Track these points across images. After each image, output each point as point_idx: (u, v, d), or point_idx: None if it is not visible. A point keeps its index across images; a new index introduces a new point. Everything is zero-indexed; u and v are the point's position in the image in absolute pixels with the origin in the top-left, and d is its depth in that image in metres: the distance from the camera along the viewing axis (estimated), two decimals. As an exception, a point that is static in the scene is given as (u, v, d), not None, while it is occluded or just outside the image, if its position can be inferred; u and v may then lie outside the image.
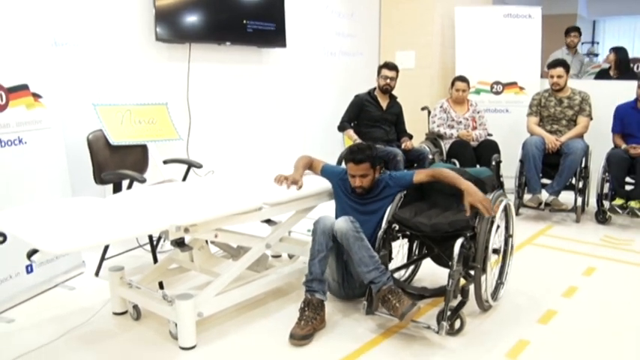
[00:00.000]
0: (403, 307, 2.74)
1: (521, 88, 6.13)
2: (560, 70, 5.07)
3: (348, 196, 3.32)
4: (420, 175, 3.20)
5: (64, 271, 3.64)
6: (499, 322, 3.08)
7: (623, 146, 4.85)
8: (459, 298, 2.94)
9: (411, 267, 3.52)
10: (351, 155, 3.17)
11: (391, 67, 5.26)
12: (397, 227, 3.13)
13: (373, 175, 3.21)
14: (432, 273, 3.58)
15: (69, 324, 3.05)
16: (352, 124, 5.29)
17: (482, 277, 2.99)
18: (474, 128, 5.48)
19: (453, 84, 5.54)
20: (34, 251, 2.39)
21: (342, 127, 5.29)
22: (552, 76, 5.11)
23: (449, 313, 2.81)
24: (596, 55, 8.81)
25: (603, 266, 3.92)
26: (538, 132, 5.12)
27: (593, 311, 3.22)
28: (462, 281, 2.97)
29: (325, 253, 2.95)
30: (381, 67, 5.31)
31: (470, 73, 5.75)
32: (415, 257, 3.45)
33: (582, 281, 3.66)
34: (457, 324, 2.90)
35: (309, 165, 3.52)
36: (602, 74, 6.49)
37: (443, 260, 3.20)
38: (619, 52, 6.44)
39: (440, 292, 2.97)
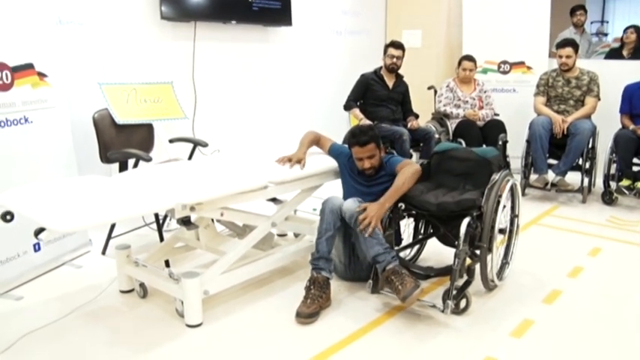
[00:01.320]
0: (405, 290, 2.74)
1: (529, 68, 6.07)
2: (569, 50, 5.02)
3: (354, 178, 3.31)
4: (399, 168, 3.17)
5: (71, 250, 3.67)
6: (504, 301, 3.09)
7: (631, 127, 4.81)
8: (465, 277, 2.94)
9: (417, 246, 3.53)
10: (354, 139, 3.16)
11: (397, 46, 5.22)
12: (403, 206, 3.13)
13: (379, 153, 3.21)
14: (437, 252, 3.59)
15: (76, 302, 3.08)
16: (358, 104, 5.26)
17: (488, 257, 2.99)
18: (481, 108, 5.44)
19: (459, 63, 5.49)
20: (42, 229, 2.41)
21: (347, 107, 5.27)
22: (561, 56, 5.06)
23: (454, 292, 2.82)
24: (606, 34, 8.67)
25: (609, 247, 3.92)
26: (545, 112, 5.09)
27: (598, 292, 3.22)
28: (468, 261, 2.97)
29: (333, 232, 2.96)
30: (387, 46, 5.27)
31: (477, 52, 5.69)
32: (421, 237, 3.46)
33: (588, 262, 3.66)
34: (462, 303, 2.91)
35: (316, 142, 3.51)
36: (613, 53, 6.37)
37: (449, 240, 3.20)
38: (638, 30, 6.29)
39: (446, 271, 2.98)
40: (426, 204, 2.99)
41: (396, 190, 3.03)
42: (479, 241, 2.94)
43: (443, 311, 2.80)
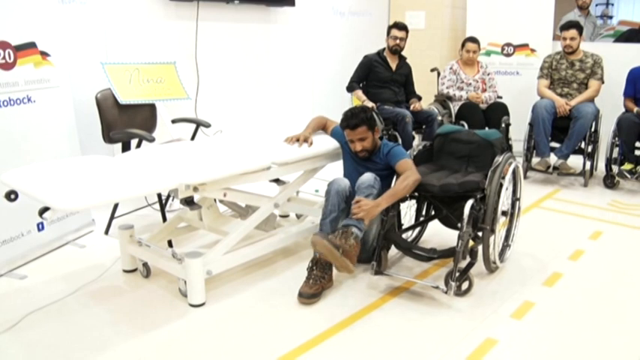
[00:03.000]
0: (334, 241, 2.77)
1: (533, 50, 6.03)
2: (573, 32, 4.99)
3: (354, 158, 3.31)
4: (400, 167, 3.10)
5: (74, 230, 3.68)
6: (505, 283, 3.10)
7: (635, 109, 4.79)
8: (468, 259, 2.96)
9: (418, 228, 3.53)
10: (345, 122, 3.16)
11: (401, 27, 5.18)
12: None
13: (372, 136, 3.20)
14: (437, 234, 3.61)
15: (80, 281, 3.10)
16: (361, 85, 5.24)
17: (491, 239, 3.00)
18: (484, 90, 5.42)
19: (463, 45, 5.46)
20: (46, 209, 2.41)
21: (350, 88, 5.24)
22: (565, 39, 5.03)
23: (457, 273, 2.83)
24: (611, 17, 8.59)
25: (610, 230, 3.93)
26: (548, 95, 5.07)
27: (599, 275, 3.24)
28: (471, 243, 2.98)
29: (337, 213, 2.97)
30: (390, 28, 5.24)
31: (481, 35, 5.66)
32: (423, 219, 3.46)
33: (589, 245, 3.67)
34: (465, 285, 2.93)
35: (323, 126, 3.52)
36: (632, 35, 6.25)
37: (451, 221, 3.21)
38: None
39: (449, 253, 2.98)
40: (429, 186, 3.00)
41: (394, 195, 2.98)
42: (482, 223, 2.95)
43: (446, 292, 2.82)
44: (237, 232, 3.04)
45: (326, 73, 6.11)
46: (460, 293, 2.91)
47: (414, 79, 5.42)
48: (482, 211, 2.94)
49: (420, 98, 5.32)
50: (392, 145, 3.26)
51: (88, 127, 3.81)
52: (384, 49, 5.27)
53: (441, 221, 3.35)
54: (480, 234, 3.01)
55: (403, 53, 5.31)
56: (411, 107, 5.12)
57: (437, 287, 2.89)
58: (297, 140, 3.27)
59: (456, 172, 3.19)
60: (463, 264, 2.94)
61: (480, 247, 3.04)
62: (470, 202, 2.86)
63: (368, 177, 3.00)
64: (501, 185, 3.00)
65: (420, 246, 3.32)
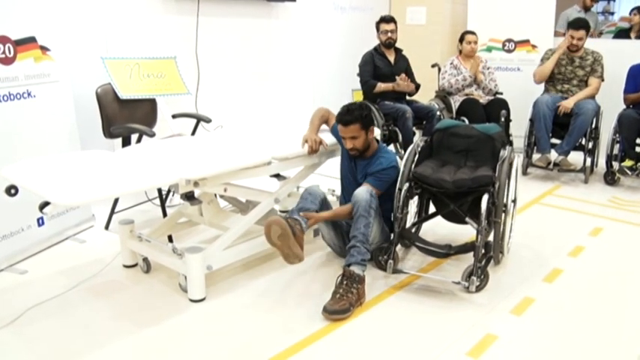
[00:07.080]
0: (349, 300, 2.71)
1: (534, 47, 6.02)
2: (582, 33, 4.92)
3: (348, 158, 3.28)
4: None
5: (74, 224, 3.68)
6: (505, 279, 3.10)
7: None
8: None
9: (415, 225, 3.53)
10: (339, 117, 3.07)
11: (388, 20, 5.17)
12: (413, 184, 3.11)
13: (365, 136, 3.08)
14: (430, 229, 3.63)
15: (80, 276, 3.10)
16: None
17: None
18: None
19: (462, 38, 5.45)
20: (46, 203, 2.41)
21: (370, 86, 5.08)
22: (573, 37, 4.97)
23: (479, 269, 2.87)
24: (612, 13, 8.58)
25: (610, 227, 3.93)
26: (549, 64, 5.04)
27: (599, 271, 3.24)
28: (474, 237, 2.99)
29: (308, 206, 2.96)
30: (378, 23, 5.20)
31: (482, 30, 5.65)
32: (425, 214, 3.45)
33: (589, 241, 3.67)
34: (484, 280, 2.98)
35: (326, 120, 3.46)
36: (621, 34, 6.29)
37: (456, 216, 3.19)
38: None
39: (465, 248, 3.00)
40: (442, 181, 2.98)
41: (331, 216, 3.06)
42: (495, 217, 2.97)
43: (467, 288, 2.86)
44: (238, 227, 3.04)
45: (326, 68, 6.09)
46: (475, 289, 2.93)
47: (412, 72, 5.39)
48: (495, 205, 2.96)
49: (418, 85, 5.24)
50: (390, 164, 3.12)
51: (88, 122, 3.81)
52: (379, 45, 5.25)
53: (444, 216, 3.34)
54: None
55: (401, 47, 5.29)
56: (398, 79, 5.03)
57: (458, 283, 2.90)
58: (315, 142, 3.23)
59: (459, 167, 3.18)
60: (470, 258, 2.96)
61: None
62: (486, 197, 2.89)
63: (364, 195, 2.88)
64: (509, 178, 3.04)
65: (436, 242, 3.29)
